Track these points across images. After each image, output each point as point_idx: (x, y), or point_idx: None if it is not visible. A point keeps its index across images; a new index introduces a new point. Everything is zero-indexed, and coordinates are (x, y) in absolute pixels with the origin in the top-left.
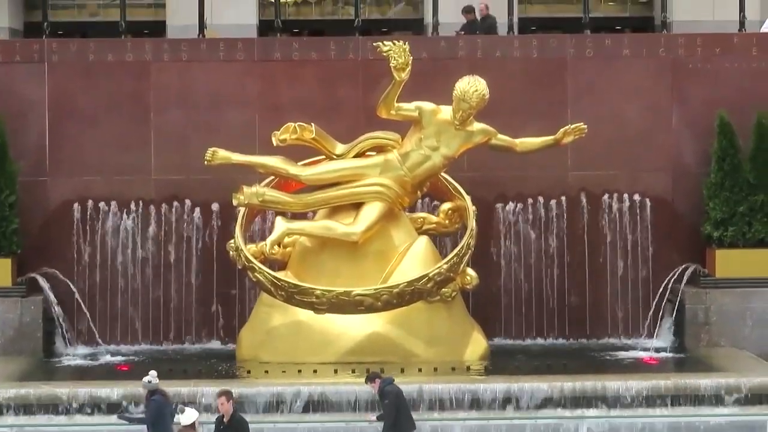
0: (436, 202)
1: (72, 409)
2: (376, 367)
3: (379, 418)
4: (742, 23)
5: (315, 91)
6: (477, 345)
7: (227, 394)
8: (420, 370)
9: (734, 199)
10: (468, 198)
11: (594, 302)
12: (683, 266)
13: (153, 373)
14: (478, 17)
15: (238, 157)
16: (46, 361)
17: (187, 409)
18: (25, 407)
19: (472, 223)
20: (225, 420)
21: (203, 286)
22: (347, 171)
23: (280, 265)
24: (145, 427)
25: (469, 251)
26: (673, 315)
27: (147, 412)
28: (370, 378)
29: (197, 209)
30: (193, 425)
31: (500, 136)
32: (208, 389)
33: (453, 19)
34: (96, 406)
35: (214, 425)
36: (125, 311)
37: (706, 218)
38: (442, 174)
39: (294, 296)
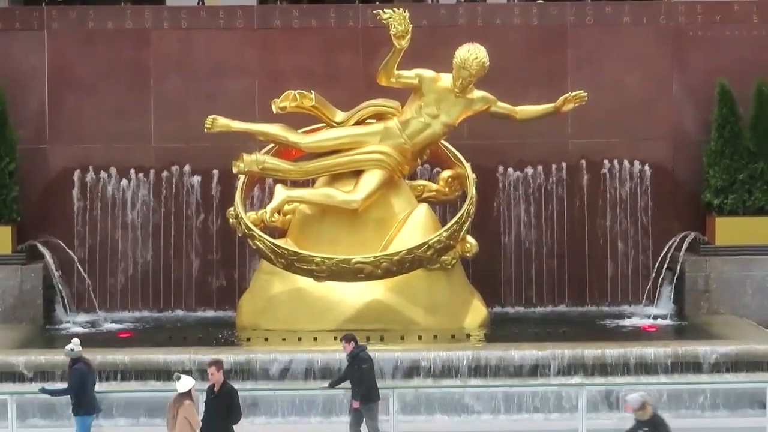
0: (436, 169)
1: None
2: (376, 335)
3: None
4: None
5: (315, 59)
6: (477, 312)
7: (218, 363)
8: (420, 337)
9: (734, 167)
10: (468, 165)
11: (594, 270)
12: (683, 234)
13: (76, 341)
14: None
15: (237, 125)
16: (46, 328)
17: (183, 376)
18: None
19: (472, 191)
20: (215, 389)
21: (203, 254)
22: (347, 139)
23: (280, 232)
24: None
25: (469, 219)
26: (673, 283)
27: (70, 381)
28: (347, 338)
29: (197, 177)
30: (189, 392)
31: (500, 103)
32: (207, 357)
33: None
34: (105, 373)
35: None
36: (125, 279)
37: (706, 186)
38: (442, 141)
39: (294, 264)
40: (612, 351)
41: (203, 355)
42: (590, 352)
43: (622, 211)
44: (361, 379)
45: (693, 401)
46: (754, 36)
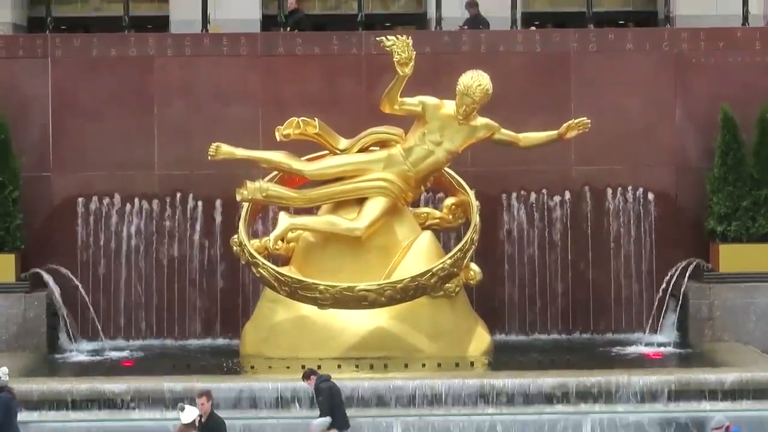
0: (440, 194)
1: (78, 405)
2: (380, 363)
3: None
4: (745, 17)
5: (318, 86)
6: (480, 340)
7: (207, 394)
8: (423, 365)
9: (738, 194)
10: (472, 193)
11: (597, 297)
12: (687, 261)
13: (4, 369)
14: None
15: (241, 152)
16: (50, 356)
17: (187, 407)
18: (28, 403)
19: (475, 219)
20: (203, 420)
21: (207, 282)
22: (351, 166)
23: (284, 260)
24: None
25: (473, 246)
26: (677, 310)
27: None
28: (306, 375)
29: (201, 204)
30: (193, 423)
31: (503, 131)
32: (211, 385)
33: (456, 13)
34: (100, 402)
35: None
36: (129, 307)
37: (709, 213)
38: (446, 169)
39: (297, 291)
40: (616, 378)
41: (207, 383)
42: (595, 379)
43: (626, 238)
44: (321, 412)
45: (700, 429)
46: (757, 63)
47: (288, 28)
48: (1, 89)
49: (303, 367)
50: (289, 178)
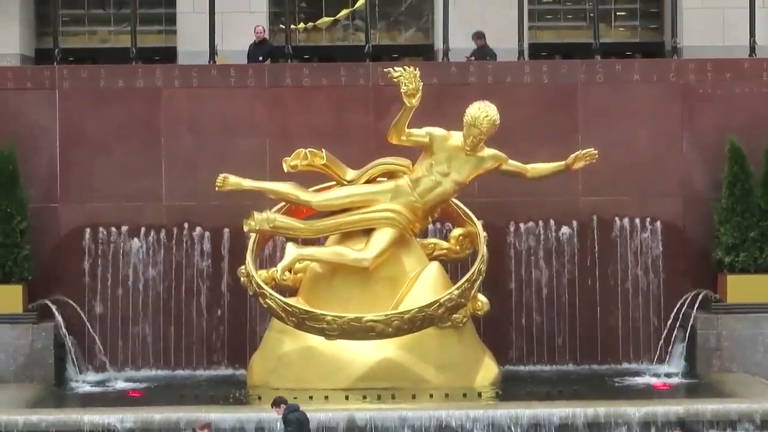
0: (448, 225)
1: None
2: (387, 394)
3: None
4: (752, 48)
5: (325, 117)
6: (488, 370)
7: (209, 426)
8: (431, 396)
9: (745, 225)
10: (479, 223)
11: (605, 327)
12: (695, 291)
13: None
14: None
15: (248, 183)
16: (57, 387)
17: None
18: None
19: (483, 249)
20: None
21: (214, 312)
22: (358, 197)
23: (291, 291)
24: None
25: (480, 277)
26: (685, 340)
27: None
28: (276, 402)
29: (208, 235)
30: None
31: (511, 161)
32: (218, 415)
33: (463, 45)
34: None
35: None
36: (136, 337)
37: (717, 243)
38: (453, 200)
39: (305, 322)
40: (624, 409)
41: (215, 414)
42: (603, 410)
43: (633, 269)
44: None
45: None
46: (765, 93)
47: (261, 59)
48: (9, 120)
49: (310, 398)
50: (296, 208)
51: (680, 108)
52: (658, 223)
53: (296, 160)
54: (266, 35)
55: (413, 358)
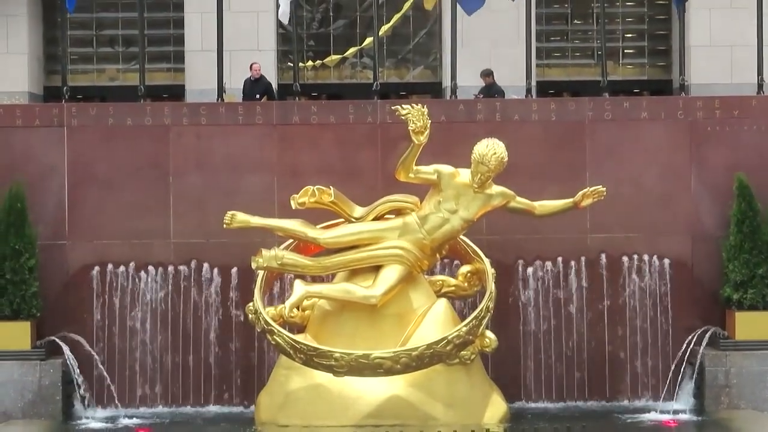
0: (456, 262)
1: None
2: (396, 430)
3: None
4: (760, 86)
5: (333, 155)
6: (497, 407)
7: None
8: None
9: (754, 262)
10: (487, 261)
11: (613, 364)
12: (703, 328)
13: None
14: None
15: (256, 221)
16: (65, 424)
17: None
18: None
19: (491, 286)
20: None
21: (222, 349)
22: (366, 234)
23: (299, 328)
24: None
25: (489, 314)
26: (693, 377)
27: None
28: None
29: (216, 272)
30: None
31: (519, 199)
32: None
33: (471, 82)
34: None
35: None
36: (144, 374)
37: (725, 281)
38: (461, 237)
39: (313, 359)
40: None
41: None
42: None
43: (642, 306)
44: None
45: None
46: None
47: (257, 96)
48: (17, 158)
49: None
50: (304, 245)
51: (688, 145)
52: (666, 261)
53: (304, 197)
54: (261, 72)
55: (421, 395)
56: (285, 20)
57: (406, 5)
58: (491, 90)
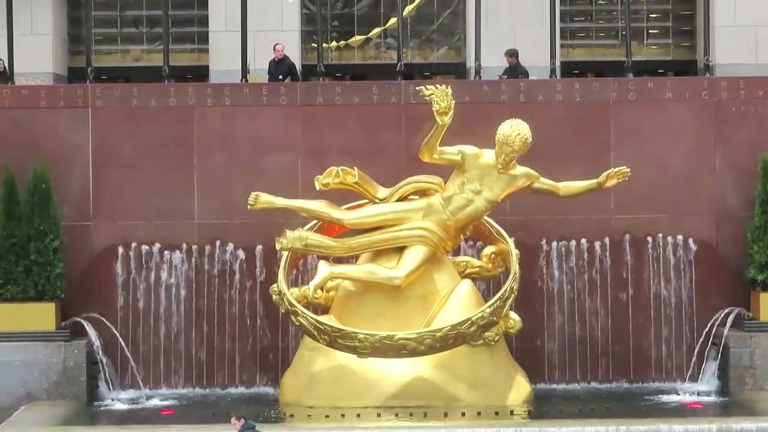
0: (480, 243)
1: None
2: (420, 412)
3: None
4: None
5: (357, 135)
6: (520, 389)
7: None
8: (463, 414)
9: None
10: (511, 241)
11: (638, 346)
12: (727, 310)
13: None
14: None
15: (281, 202)
16: (89, 405)
17: None
18: None
19: (515, 267)
20: None
21: (246, 330)
22: (390, 215)
23: (323, 309)
24: None
25: (513, 295)
26: (718, 359)
27: None
28: (237, 416)
29: (240, 253)
30: None
31: (543, 179)
32: None
33: (496, 63)
34: None
35: None
36: (169, 355)
37: (750, 261)
38: (485, 218)
39: (337, 340)
40: (656, 427)
41: None
42: (635, 428)
43: (666, 287)
44: None
45: None
46: None
47: (280, 77)
48: (42, 139)
49: (342, 415)
50: (328, 226)
51: (713, 126)
52: (691, 241)
53: (328, 178)
54: (285, 52)
55: (445, 376)
56: None
57: None
58: (515, 71)
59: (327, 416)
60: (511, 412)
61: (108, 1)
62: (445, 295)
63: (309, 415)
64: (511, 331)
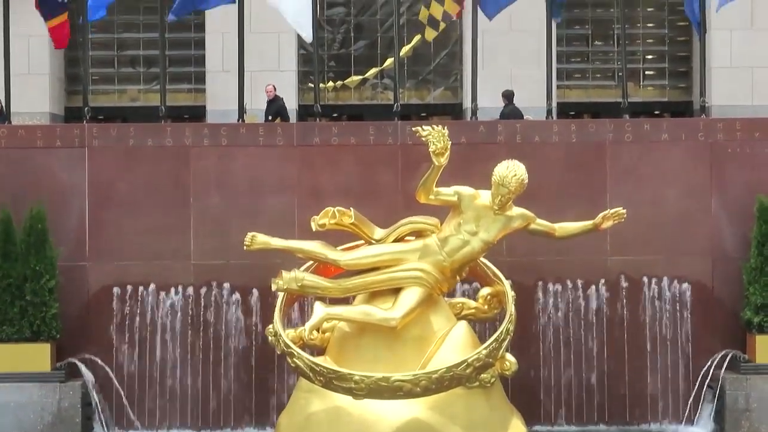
0: (476, 284)
1: None
2: None
3: None
4: None
5: (354, 176)
6: (516, 431)
7: None
8: None
9: None
10: (507, 283)
11: (634, 387)
12: (723, 352)
13: None
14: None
15: (277, 242)
16: None
17: None
18: None
19: (511, 309)
20: None
21: (242, 371)
22: (386, 256)
23: (319, 350)
24: None
25: (509, 336)
26: (714, 401)
27: None
28: None
29: (236, 294)
30: None
31: (539, 221)
32: None
33: (492, 103)
34: None
35: None
36: (164, 396)
37: (746, 303)
38: (481, 259)
39: (333, 382)
40: None
41: None
42: None
43: (662, 328)
44: None
45: None
46: None
47: (269, 118)
48: (38, 179)
49: None
50: (324, 267)
51: (709, 167)
52: (686, 283)
53: (324, 218)
54: (283, 92)
55: (441, 418)
56: (307, 37)
57: (427, 34)
58: (512, 112)
59: None
60: None
61: (105, 41)
62: (441, 337)
63: None
64: (507, 372)
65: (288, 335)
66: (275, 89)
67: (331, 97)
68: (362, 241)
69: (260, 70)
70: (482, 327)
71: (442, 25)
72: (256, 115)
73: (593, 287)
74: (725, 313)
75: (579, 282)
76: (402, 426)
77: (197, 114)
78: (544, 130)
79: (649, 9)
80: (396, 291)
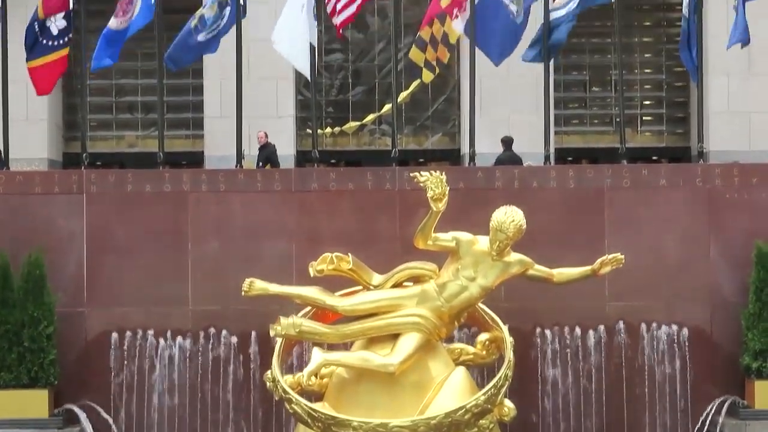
0: (474, 330)
1: None
2: None
3: None
4: None
5: (352, 222)
6: None
7: None
8: None
9: None
10: (505, 328)
11: None
12: (722, 398)
13: None
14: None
15: (275, 288)
16: None
17: None
18: None
19: (509, 354)
20: None
21: (241, 417)
22: (384, 302)
23: (317, 396)
24: None
25: (507, 382)
26: None
27: None
28: None
29: (235, 339)
30: None
31: (537, 266)
32: None
33: (490, 149)
34: None
35: None
36: None
37: (744, 349)
38: (479, 305)
39: (331, 428)
40: None
41: None
42: None
43: (661, 374)
44: None
45: None
46: None
47: (260, 164)
48: (37, 225)
49: None
50: (322, 313)
51: (707, 213)
52: (685, 329)
53: (323, 264)
54: (266, 140)
55: None
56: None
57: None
58: (510, 157)
59: None
60: None
61: (103, 87)
62: (440, 383)
63: None
64: (506, 418)
65: (286, 381)
66: (266, 136)
67: (329, 143)
68: (360, 287)
69: (258, 116)
70: (480, 373)
71: (437, 70)
72: (254, 161)
73: (591, 333)
74: (724, 358)
75: (577, 328)
76: None
77: (195, 160)
78: (542, 175)
79: (646, 55)
80: (394, 337)
